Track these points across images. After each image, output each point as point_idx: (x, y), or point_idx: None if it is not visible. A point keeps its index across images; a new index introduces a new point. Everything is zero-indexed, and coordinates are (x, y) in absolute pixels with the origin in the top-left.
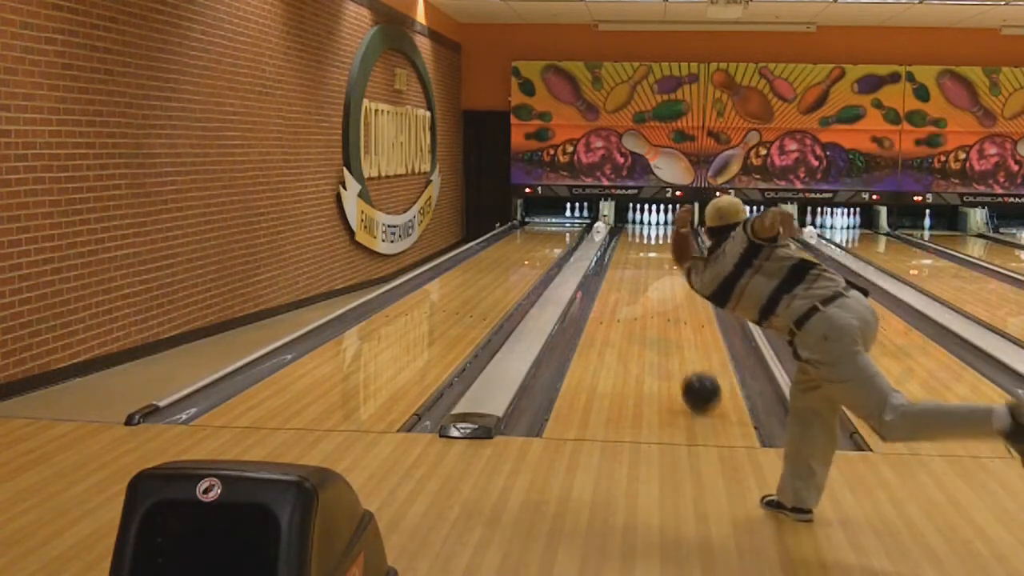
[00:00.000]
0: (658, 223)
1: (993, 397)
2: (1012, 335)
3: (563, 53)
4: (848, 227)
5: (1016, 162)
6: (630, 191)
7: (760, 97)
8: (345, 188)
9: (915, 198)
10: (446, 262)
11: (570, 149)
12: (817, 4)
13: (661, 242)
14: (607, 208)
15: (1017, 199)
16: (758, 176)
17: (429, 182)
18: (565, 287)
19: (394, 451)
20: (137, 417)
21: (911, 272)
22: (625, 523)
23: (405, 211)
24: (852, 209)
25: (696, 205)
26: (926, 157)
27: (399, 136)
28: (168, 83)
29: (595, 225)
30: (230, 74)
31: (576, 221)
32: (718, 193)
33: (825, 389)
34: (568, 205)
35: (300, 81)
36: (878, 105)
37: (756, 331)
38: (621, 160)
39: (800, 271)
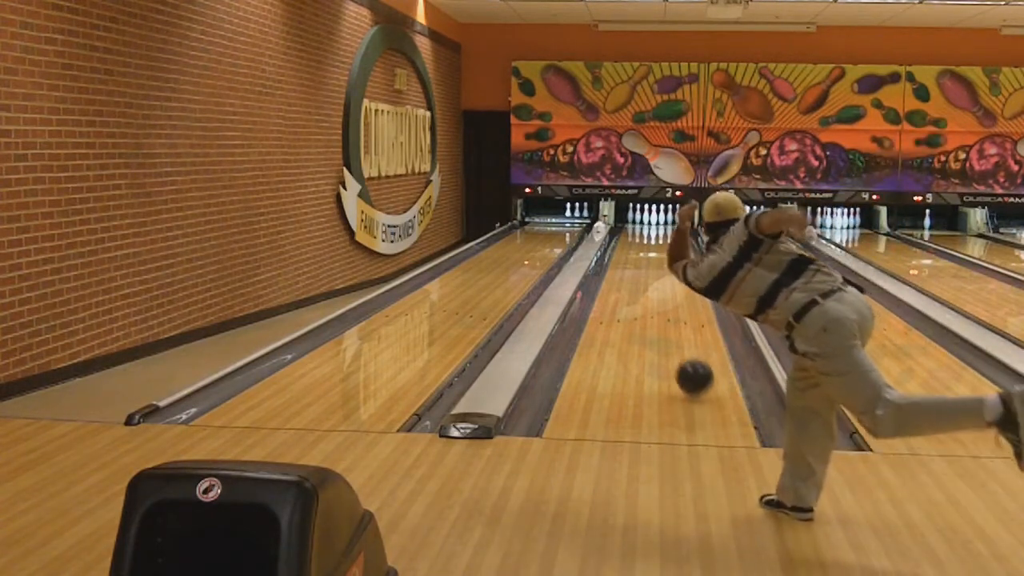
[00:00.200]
0: (658, 223)
1: None
2: (1012, 335)
3: (563, 53)
4: (848, 227)
5: (1016, 162)
6: (630, 191)
7: (760, 97)
8: (345, 188)
9: (915, 198)
10: (446, 262)
11: (570, 149)
12: (817, 4)
13: (661, 242)
14: (607, 208)
15: (1017, 199)
16: (758, 176)
17: (429, 182)
18: (565, 287)
19: (394, 451)
20: (137, 417)
21: (911, 272)
22: (625, 523)
23: (405, 211)
24: (852, 209)
25: (698, 204)
26: (926, 157)
27: (399, 136)
28: (168, 83)
29: (595, 225)
30: (230, 74)
31: (576, 221)
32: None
33: (822, 386)
34: (568, 205)
35: (300, 81)
36: (878, 105)
37: (756, 331)
38: (621, 160)
39: (799, 266)
